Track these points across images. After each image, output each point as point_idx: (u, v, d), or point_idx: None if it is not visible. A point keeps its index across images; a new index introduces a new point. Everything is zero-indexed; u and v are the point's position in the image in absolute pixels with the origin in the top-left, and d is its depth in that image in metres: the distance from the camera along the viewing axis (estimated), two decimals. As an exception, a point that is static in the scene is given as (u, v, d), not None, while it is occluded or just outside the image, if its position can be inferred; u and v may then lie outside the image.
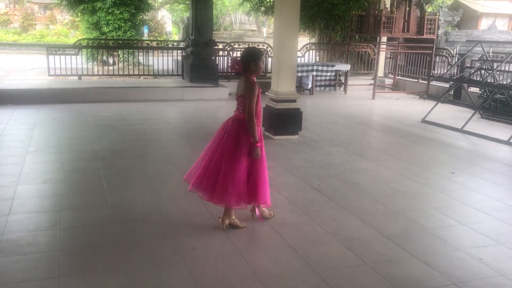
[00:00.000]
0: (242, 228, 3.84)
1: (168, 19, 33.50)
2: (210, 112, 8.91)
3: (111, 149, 6.09)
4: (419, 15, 11.52)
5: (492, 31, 17.80)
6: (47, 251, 3.35)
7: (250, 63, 3.65)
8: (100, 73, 12.11)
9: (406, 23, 11.41)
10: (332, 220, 4.07)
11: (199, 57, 11.04)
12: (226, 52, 12.17)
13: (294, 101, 7.03)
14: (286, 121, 6.92)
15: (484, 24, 21.52)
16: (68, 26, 28.77)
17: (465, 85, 10.11)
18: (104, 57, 15.32)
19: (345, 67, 12.39)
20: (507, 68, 9.86)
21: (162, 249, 3.43)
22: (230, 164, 3.66)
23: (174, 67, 12.68)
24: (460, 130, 8.00)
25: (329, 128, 7.95)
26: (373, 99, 11.46)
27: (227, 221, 3.80)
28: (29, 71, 15.94)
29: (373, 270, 3.23)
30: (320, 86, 12.40)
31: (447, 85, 11.90)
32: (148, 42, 14.06)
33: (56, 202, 4.26)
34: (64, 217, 3.92)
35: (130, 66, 12.84)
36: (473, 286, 3.09)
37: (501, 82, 8.68)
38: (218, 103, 10.03)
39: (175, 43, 14.30)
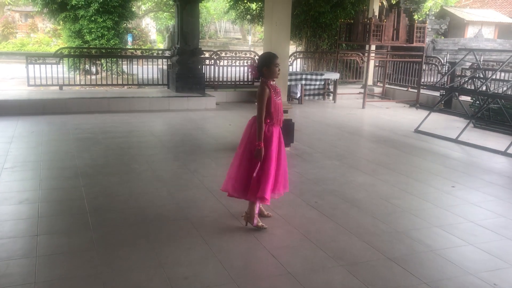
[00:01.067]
0: (262, 228, 3.95)
1: (152, 27, 33.18)
2: (198, 123, 8.60)
3: (93, 165, 5.74)
4: (408, 23, 11.40)
5: (478, 39, 17.83)
6: (21, 284, 3.01)
7: (262, 68, 3.87)
8: (83, 82, 11.70)
9: (395, 31, 11.28)
10: (333, 242, 3.79)
11: (185, 66, 10.73)
12: (212, 61, 11.88)
13: (286, 111, 6.74)
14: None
15: (470, 32, 21.61)
16: (50, 35, 28.23)
17: (457, 94, 9.96)
18: (87, 66, 14.94)
19: (334, 75, 12.19)
20: (499, 77, 9.73)
21: (150, 279, 3.10)
22: (242, 159, 3.94)
23: (159, 76, 12.35)
24: (455, 140, 7.81)
25: (322, 139, 7.69)
26: (363, 108, 11.26)
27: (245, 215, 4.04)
28: (9, 80, 15.47)
29: (382, 300, 2.95)
30: (309, 95, 12.18)
31: (437, 94, 11.79)
32: (133, 50, 13.69)
33: (33, 225, 3.91)
34: (40, 243, 3.57)
35: (113, 76, 12.47)
36: (492, 317, 2.83)
37: (495, 91, 8.52)
38: (206, 113, 9.72)
39: (160, 52, 13.96)
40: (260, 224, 3.98)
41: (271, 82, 3.92)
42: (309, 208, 4.53)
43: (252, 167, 3.88)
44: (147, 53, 13.42)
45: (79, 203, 4.45)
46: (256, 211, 3.96)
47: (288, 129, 6.74)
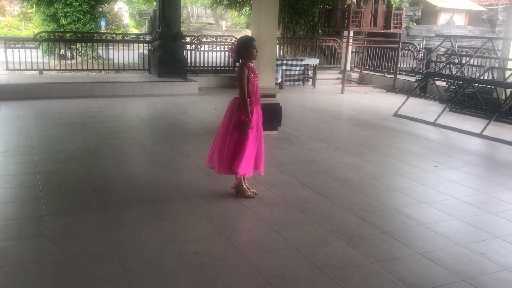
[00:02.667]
0: (250, 196, 4.32)
1: (125, 12, 32.59)
2: (183, 108, 8.67)
3: (86, 148, 5.79)
4: (385, 9, 11.66)
5: (450, 26, 18.33)
6: (37, 262, 3.10)
7: (240, 50, 4.12)
8: (58, 67, 11.52)
9: (373, 17, 11.52)
10: (330, 218, 4.00)
11: (167, 51, 10.73)
12: (193, 46, 11.89)
13: (274, 96, 6.92)
14: (266, 116, 6.73)
15: (442, 19, 22.14)
16: (20, 18, 27.43)
17: (433, 79, 10.31)
18: (62, 51, 14.69)
19: (314, 61, 12.39)
20: (473, 62, 10.11)
21: (163, 255, 3.24)
22: (225, 136, 4.21)
23: (138, 61, 12.27)
24: (433, 124, 8.15)
25: (306, 123, 7.90)
26: (343, 93, 11.52)
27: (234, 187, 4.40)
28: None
29: (382, 269, 3.18)
30: (289, 80, 12.35)
31: (413, 79, 12.16)
32: (113, 35, 13.54)
33: (38, 207, 3.97)
34: (49, 223, 3.65)
35: (90, 60, 12.29)
36: (482, 282, 3.09)
37: (470, 76, 8.89)
38: (189, 98, 9.79)
39: (141, 37, 13.85)
40: (249, 193, 4.35)
41: (250, 64, 4.17)
42: (303, 188, 4.73)
43: (224, 142, 4.23)
44: (128, 38, 13.30)
45: (79, 185, 4.53)
46: (244, 182, 4.35)
47: (276, 113, 6.92)
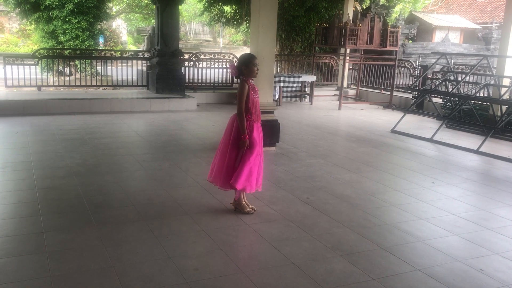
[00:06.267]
0: (249, 212, 4.33)
1: (123, 29, 32.84)
2: (181, 124, 8.70)
3: (84, 165, 5.79)
4: (381, 27, 11.80)
5: (445, 43, 18.52)
6: (36, 278, 3.09)
7: (241, 67, 4.19)
8: (57, 84, 11.58)
9: (369, 35, 11.66)
10: (329, 234, 4.01)
11: (165, 68, 10.81)
12: (192, 63, 11.98)
13: (272, 112, 6.97)
14: (264, 132, 6.76)
15: (438, 36, 22.38)
16: (19, 35, 27.59)
17: (429, 96, 10.40)
18: (61, 68, 14.76)
19: (311, 78, 12.49)
20: (468, 79, 10.20)
21: (162, 271, 3.24)
22: (224, 152, 4.26)
23: (137, 77, 12.35)
24: (430, 140, 8.19)
25: (304, 139, 7.93)
26: (340, 110, 11.59)
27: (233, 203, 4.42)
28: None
29: (382, 285, 3.18)
30: (286, 97, 12.43)
31: (409, 96, 12.25)
32: (112, 52, 13.63)
33: (36, 223, 3.96)
34: (48, 240, 3.64)
35: (88, 77, 12.34)
36: (481, 298, 3.09)
37: (466, 93, 8.97)
38: (187, 114, 9.83)
39: (140, 53, 13.96)
40: (247, 209, 4.35)
41: (250, 81, 4.24)
42: (302, 204, 4.74)
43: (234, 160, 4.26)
44: (126, 55, 13.39)
45: (78, 201, 4.52)
46: (243, 198, 4.38)
47: (274, 129, 6.96)
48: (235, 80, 12.49)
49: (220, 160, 4.31)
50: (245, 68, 4.17)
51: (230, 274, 3.26)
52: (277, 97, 11.88)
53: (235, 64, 4.29)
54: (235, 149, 4.23)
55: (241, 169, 4.18)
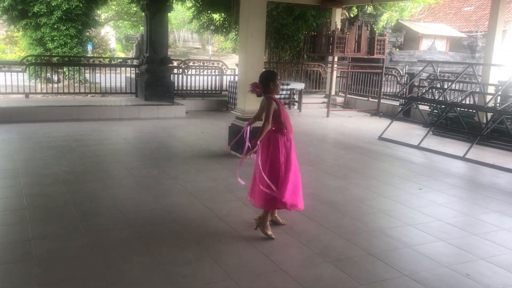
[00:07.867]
0: (270, 236, 4.03)
1: (112, 36, 32.77)
2: (170, 131, 8.70)
3: (72, 172, 5.77)
4: (369, 36, 11.93)
5: (432, 51, 18.77)
6: (22, 286, 3.07)
7: (269, 84, 4.10)
8: (44, 91, 11.51)
9: (357, 43, 11.77)
10: (317, 240, 4.04)
11: (154, 75, 10.82)
12: (181, 70, 12.00)
13: (261, 119, 6.98)
14: (253, 139, 6.84)
15: (424, 45, 22.67)
16: (6, 42, 27.40)
17: (416, 103, 10.51)
18: (48, 75, 14.68)
19: (299, 85, 12.56)
20: (455, 87, 10.34)
21: (151, 279, 3.23)
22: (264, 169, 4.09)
23: (125, 84, 12.32)
24: (417, 147, 8.28)
25: (293, 146, 7.96)
26: (328, 117, 11.67)
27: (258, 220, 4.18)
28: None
29: (370, 291, 3.21)
30: (275, 104, 12.45)
31: (396, 103, 12.37)
32: (101, 59, 13.60)
33: (23, 231, 3.94)
34: (35, 248, 3.62)
35: (76, 84, 12.27)
36: (467, 303, 3.13)
37: (452, 100, 9.09)
38: (176, 121, 9.83)
39: (129, 61, 13.95)
40: (269, 233, 4.06)
41: (275, 96, 4.17)
42: (291, 210, 4.75)
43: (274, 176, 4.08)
44: (115, 62, 13.37)
45: (66, 209, 4.50)
46: (269, 218, 4.17)
47: (263, 136, 6.96)
48: (224, 87, 12.55)
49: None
50: (273, 84, 4.10)
51: (219, 281, 3.27)
52: (266, 104, 11.91)
53: (258, 83, 4.15)
54: (290, 164, 4.10)
55: (286, 184, 4.05)
